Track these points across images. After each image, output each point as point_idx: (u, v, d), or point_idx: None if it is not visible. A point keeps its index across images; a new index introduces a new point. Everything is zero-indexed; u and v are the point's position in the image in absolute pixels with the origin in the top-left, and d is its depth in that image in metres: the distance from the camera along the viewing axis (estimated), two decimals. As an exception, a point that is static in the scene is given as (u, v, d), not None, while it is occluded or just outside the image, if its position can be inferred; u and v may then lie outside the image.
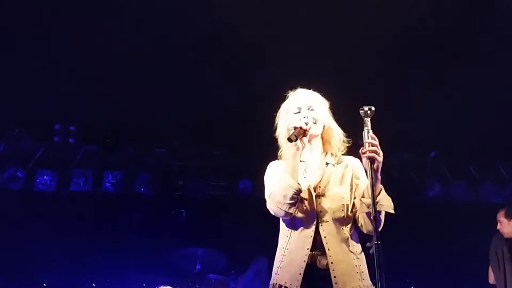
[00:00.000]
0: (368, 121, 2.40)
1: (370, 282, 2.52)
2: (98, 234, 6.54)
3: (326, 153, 2.74)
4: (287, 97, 2.82)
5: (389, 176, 6.92)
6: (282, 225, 2.67)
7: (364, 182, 2.63)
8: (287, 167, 2.54)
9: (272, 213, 2.57)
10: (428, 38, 5.35)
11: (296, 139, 2.50)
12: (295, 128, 2.53)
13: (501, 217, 5.24)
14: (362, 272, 2.53)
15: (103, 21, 5.16)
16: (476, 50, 5.35)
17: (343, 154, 2.75)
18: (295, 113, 2.70)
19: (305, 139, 2.58)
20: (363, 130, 2.42)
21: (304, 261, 2.49)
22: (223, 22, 5.01)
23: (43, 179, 6.76)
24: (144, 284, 5.63)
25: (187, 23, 5.24)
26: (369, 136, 2.41)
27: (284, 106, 2.81)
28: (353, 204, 2.63)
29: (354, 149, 2.71)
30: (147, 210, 6.96)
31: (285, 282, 2.51)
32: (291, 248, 2.57)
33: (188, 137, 6.78)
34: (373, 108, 2.39)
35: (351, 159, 2.75)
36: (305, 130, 2.54)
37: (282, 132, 2.76)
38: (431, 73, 5.70)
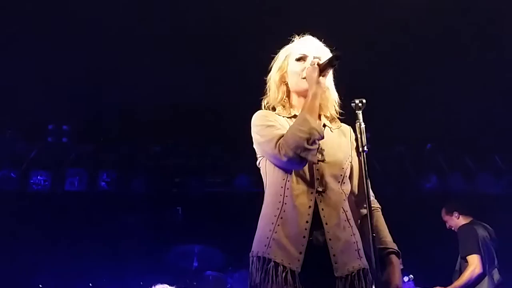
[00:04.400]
0: (359, 114, 2.27)
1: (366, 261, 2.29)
2: (94, 233, 6.49)
3: (320, 116, 2.45)
4: (292, 41, 2.54)
5: (385, 168, 6.93)
6: (270, 188, 2.33)
7: (356, 160, 2.42)
8: (307, 108, 2.22)
9: (283, 159, 2.18)
10: (424, 29, 5.31)
11: (326, 72, 2.28)
12: (319, 63, 2.29)
13: (444, 216, 5.32)
14: (360, 249, 2.29)
15: (96, 18, 5.11)
16: (472, 40, 5.33)
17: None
18: (297, 60, 2.43)
19: (324, 80, 2.31)
20: (354, 123, 2.29)
21: (304, 236, 2.17)
22: (214, 22, 4.99)
23: (37, 180, 6.72)
24: (141, 283, 5.59)
25: (182, 20, 5.19)
26: (362, 129, 2.25)
27: (287, 49, 2.51)
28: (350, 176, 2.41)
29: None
30: (143, 208, 6.93)
31: (282, 260, 2.16)
32: (285, 218, 2.23)
33: (183, 134, 6.74)
34: (364, 101, 2.26)
35: (347, 127, 2.52)
36: (333, 66, 2.31)
37: (278, 76, 2.48)
38: (427, 65, 5.67)
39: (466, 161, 7.30)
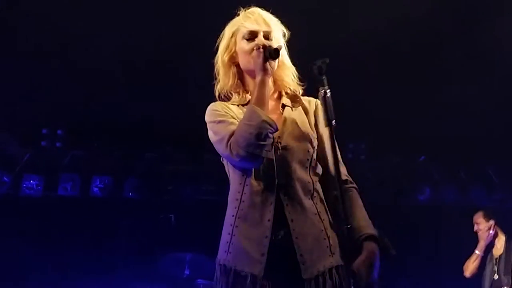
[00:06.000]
0: (324, 79, 1.91)
1: (340, 258, 2.03)
2: (86, 239, 6.46)
3: (279, 94, 2.20)
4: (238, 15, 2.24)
5: (379, 179, 6.93)
6: (231, 189, 2.13)
7: (326, 135, 2.13)
8: (255, 99, 1.98)
9: (236, 160, 1.96)
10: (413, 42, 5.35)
11: (270, 60, 2.01)
12: (264, 46, 2.02)
13: (478, 219, 5.27)
14: (332, 245, 2.01)
15: (92, 23, 5.11)
16: (468, 51, 5.36)
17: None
18: (247, 39, 2.14)
19: (272, 64, 2.05)
20: (318, 92, 1.93)
21: (266, 236, 1.93)
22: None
23: (30, 184, 6.67)
24: (132, 290, 5.56)
25: (171, 26, 5.20)
26: (327, 98, 1.90)
27: (233, 25, 2.21)
28: (317, 160, 2.13)
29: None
30: (136, 215, 6.90)
31: (243, 266, 1.94)
32: (244, 219, 2.00)
33: (177, 141, 6.73)
34: (327, 61, 1.90)
35: (311, 100, 2.23)
36: (278, 52, 2.02)
37: (227, 56, 2.19)
38: (421, 75, 5.70)
39: (459, 173, 7.33)
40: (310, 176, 2.08)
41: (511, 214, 6.69)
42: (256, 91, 2.01)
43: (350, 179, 2.19)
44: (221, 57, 2.21)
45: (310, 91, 2.23)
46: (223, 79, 2.21)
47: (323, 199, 2.11)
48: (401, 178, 7.17)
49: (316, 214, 2.04)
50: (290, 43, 2.25)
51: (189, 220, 6.74)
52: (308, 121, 2.17)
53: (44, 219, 6.44)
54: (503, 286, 4.94)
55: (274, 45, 2.09)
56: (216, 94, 2.24)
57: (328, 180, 2.14)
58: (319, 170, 2.13)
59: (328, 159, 2.14)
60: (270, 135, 1.95)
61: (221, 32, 2.27)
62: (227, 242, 2.02)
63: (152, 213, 6.91)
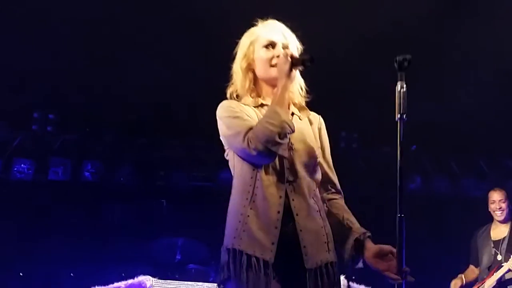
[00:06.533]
0: (402, 74, 2.07)
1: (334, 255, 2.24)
2: (77, 224, 6.46)
3: (289, 104, 2.35)
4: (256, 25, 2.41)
5: (370, 167, 6.96)
6: (239, 178, 2.28)
7: (328, 148, 2.41)
8: (277, 101, 2.16)
9: (253, 153, 2.12)
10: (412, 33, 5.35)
11: (297, 68, 2.22)
12: (292, 56, 2.21)
13: (505, 198, 5.18)
14: (329, 242, 2.23)
15: (84, 8, 5.07)
16: (461, 42, 5.38)
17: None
18: (265, 47, 2.31)
19: (295, 73, 2.24)
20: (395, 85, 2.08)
21: (276, 227, 2.13)
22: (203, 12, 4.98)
23: (21, 168, 6.65)
24: (123, 274, 5.56)
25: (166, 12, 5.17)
26: (401, 93, 2.07)
27: (252, 34, 2.39)
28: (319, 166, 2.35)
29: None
30: (127, 200, 6.90)
31: (254, 252, 2.12)
32: (256, 210, 2.18)
33: (169, 127, 6.72)
34: (409, 57, 2.06)
35: (315, 115, 2.44)
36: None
37: (245, 63, 2.36)
38: (415, 67, 5.70)
39: (450, 163, 7.37)
40: (312, 177, 2.29)
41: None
42: (278, 94, 2.17)
43: (340, 188, 2.45)
44: (239, 63, 2.38)
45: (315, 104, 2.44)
46: (240, 83, 2.38)
47: (320, 201, 2.32)
48: (392, 167, 7.20)
49: (317, 211, 2.25)
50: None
51: (180, 206, 6.75)
52: (313, 131, 2.37)
53: (35, 203, 6.43)
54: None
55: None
56: (228, 95, 2.41)
57: (324, 185, 2.39)
58: (319, 175, 2.34)
59: (325, 168, 2.39)
60: (288, 135, 2.14)
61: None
62: (237, 229, 2.19)
63: (143, 198, 6.92)
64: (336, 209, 2.35)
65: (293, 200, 2.18)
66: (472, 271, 5.32)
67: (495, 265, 5.05)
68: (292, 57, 2.20)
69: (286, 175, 2.20)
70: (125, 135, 6.99)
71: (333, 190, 2.39)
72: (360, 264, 2.30)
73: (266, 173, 2.20)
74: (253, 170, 2.21)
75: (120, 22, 5.20)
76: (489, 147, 6.90)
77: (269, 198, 2.17)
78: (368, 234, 2.26)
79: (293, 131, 2.15)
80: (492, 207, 5.23)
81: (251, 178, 2.21)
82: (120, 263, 5.98)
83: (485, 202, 5.35)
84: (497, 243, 5.16)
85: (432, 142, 6.91)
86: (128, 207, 6.84)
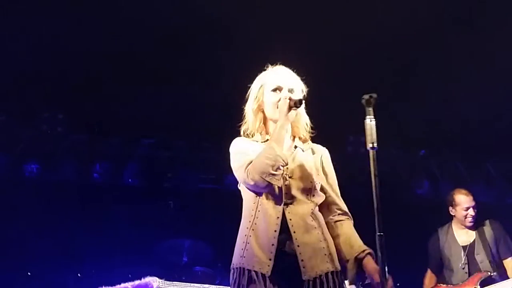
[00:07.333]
0: (370, 110, 2.34)
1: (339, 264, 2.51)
2: (85, 224, 6.47)
3: (294, 137, 2.72)
4: (266, 70, 2.77)
5: (378, 171, 6.93)
6: (245, 205, 2.62)
7: (332, 175, 2.70)
8: (275, 138, 2.50)
9: (251, 183, 2.49)
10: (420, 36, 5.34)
11: (293, 109, 2.53)
12: (291, 99, 2.54)
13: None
14: (331, 254, 2.50)
15: (95, 10, 5.10)
16: (468, 47, 5.36)
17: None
18: (273, 90, 2.66)
19: (293, 113, 2.58)
20: (364, 119, 2.35)
21: (273, 244, 2.42)
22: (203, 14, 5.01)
23: (30, 167, 6.69)
24: (129, 275, 5.58)
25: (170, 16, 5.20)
26: (371, 126, 2.34)
27: (262, 79, 2.74)
28: (319, 190, 2.63)
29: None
30: (135, 201, 6.91)
31: (254, 267, 2.42)
32: (256, 229, 2.50)
33: (177, 128, 6.73)
34: (374, 95, 2.34)
35: (320, 147, 2.77)
36: (301, 102, 2.55)
37: (255, 105, 2.70)
38: (422, 71, 5.69)
39: (459, 168, 7.33)
40: (310, 199, 2.57)
41: (509, 209, 6.72)
42: (276, 132, 2.53)
43: (347, 210, 2.70)
44: (250, 105, 2.73)
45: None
46: (251, 122, 2.74)
47: (321, 219, 2.59)
48: (400, 171, 7.19)
49: (317, 228, 2.52)
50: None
51: (188, 207, 6.76)
52: (314, 160, 2.68)
53: (43, 204, 6.45)
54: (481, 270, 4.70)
55: (295, 98, 2.58)
56: (242, 132, 2.77)
57: (329, 208, 2.67)
58: (318, 197, 2.61)
59: (329, 192, 2.67)
60: (281, 167, 2.46)
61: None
62: (242, 249, 2.51)
63: (151, 199, 6.93)
64: (341, 230, 2.60)
65: (290, 219, 2.47)
66: (431, 279, 5.00)
67: (473, 272, 4.69)
68: (290, 99, 2.53)
69: (283, 199, 2.50)
70: (133, 136, 7.01)
71: (339, 212, 2.65)
72: (368, 279, 2.47)
73: (267, 198, 2.52)
74: (256, 197, 2.55)
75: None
76: (498, 152, 6.85)
77: (267, 220, 2.47)
78: (368, 251, 2.48)
79: (286, 164, 2.47)
80: (462, 213, 4.86)
81: (254, 203, 2.55)
82: (127, 264, 5.99)
83: (492, 207, 5.25)
84: (467, 248, 4.81)
85: (440, 147, 6.89)
86: (136, 208, 6.85)
